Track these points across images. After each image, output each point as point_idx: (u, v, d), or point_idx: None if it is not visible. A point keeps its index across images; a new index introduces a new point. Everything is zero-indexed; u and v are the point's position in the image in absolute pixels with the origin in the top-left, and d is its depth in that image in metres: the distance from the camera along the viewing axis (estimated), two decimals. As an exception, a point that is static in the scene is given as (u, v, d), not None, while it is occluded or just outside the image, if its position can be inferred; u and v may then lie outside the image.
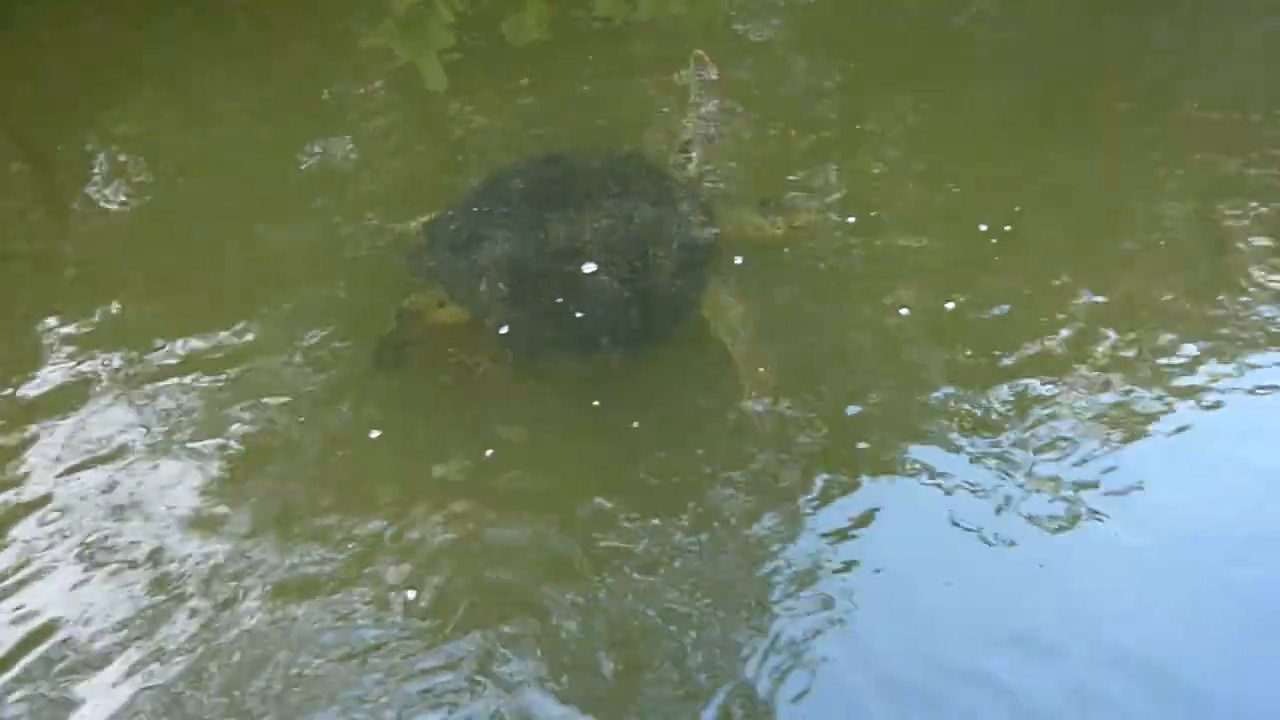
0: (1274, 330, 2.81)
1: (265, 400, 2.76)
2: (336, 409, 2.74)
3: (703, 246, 2.88)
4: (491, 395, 2.77)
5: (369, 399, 2.75)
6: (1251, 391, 2.69)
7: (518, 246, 2.77)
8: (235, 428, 2.72)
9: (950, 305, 2.90)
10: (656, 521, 2.44)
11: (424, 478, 2.58)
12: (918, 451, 2.55)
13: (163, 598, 2.36)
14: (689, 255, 2.84)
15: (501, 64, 3.88)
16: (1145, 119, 3.51)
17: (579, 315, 2.68)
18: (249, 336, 2.93)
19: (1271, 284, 2.91)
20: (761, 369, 2.70)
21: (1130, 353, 2.79)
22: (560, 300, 2.71)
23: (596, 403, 2.71)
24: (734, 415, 2.65)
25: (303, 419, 2.74)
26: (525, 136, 3.55)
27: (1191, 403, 2.66)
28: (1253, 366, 2.75)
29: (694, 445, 2.62)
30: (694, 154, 3.13)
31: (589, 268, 2.73)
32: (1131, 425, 2.62)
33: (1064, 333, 2.81)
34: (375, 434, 2.67)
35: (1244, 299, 2.90)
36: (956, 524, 2.40)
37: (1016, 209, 3.11)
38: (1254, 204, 3.15)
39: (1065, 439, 2.58)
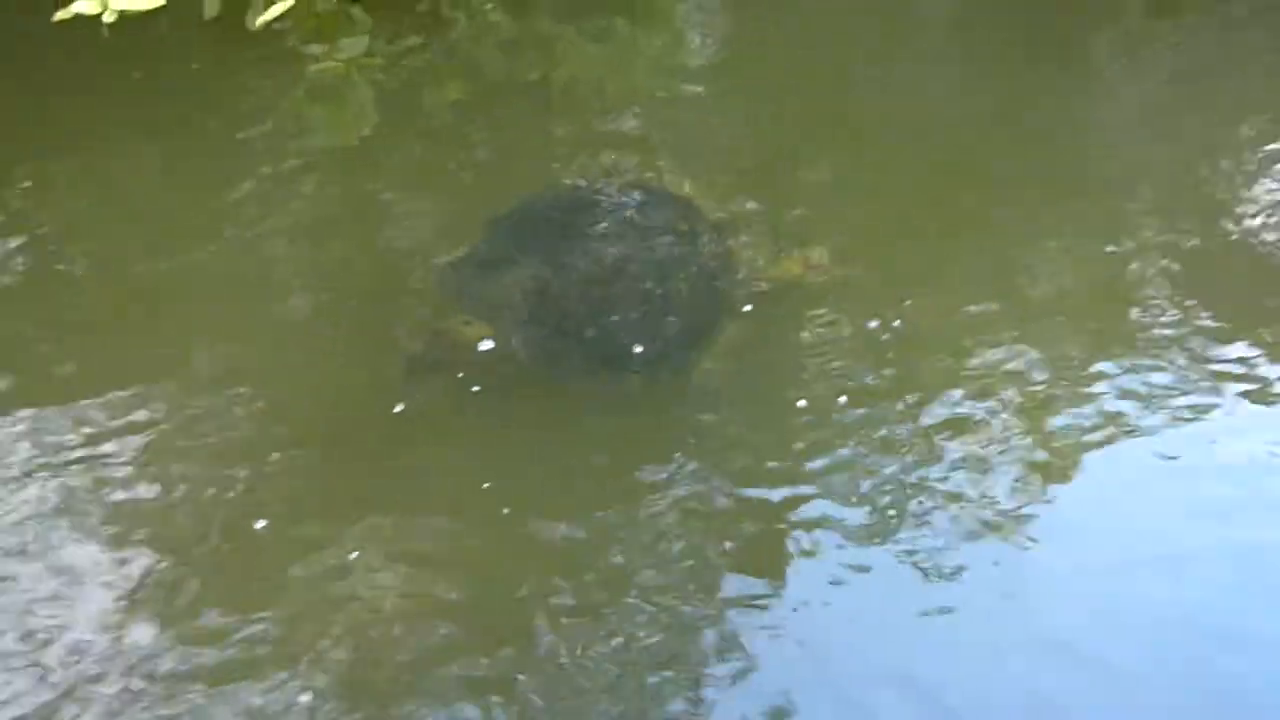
0: (1184, 364, 2.79)
1: (163, 477, 2.51)
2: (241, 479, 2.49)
3: (719, 280, 2.90)
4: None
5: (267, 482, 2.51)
6: (1168, 421, 2.63)
7: (541, 271, 2.81)
8: (126, 506, 2.45)
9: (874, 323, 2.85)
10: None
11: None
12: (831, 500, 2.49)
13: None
14: (705, 287, 2.86)
15: (423, 129, 3.70)
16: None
17: (597, 337, 2.71)
18: (151, 406, 2.67)
19: (1173, 325, 2.89)
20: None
21: (1042, 385, 2.74)
22: (579, 322, 2.74)
23: (506, 510, 2.45)
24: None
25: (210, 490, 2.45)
26: (449, 201, 3.39)
27: (1106, 433, 2.60)
28: (1164, 394, 2.69)
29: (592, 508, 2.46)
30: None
31: (609, 292, 2.77)
32: (1048, 455, 2.56)
33: (976, 364, 2.78)
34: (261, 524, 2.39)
35: (1152, 334, 2.89)
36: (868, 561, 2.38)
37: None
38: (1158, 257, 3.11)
39: (979, 469, 2.52)
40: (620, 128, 3.68)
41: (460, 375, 2.72)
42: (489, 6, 4.16)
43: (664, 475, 2.52)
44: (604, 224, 2.95)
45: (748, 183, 3.44)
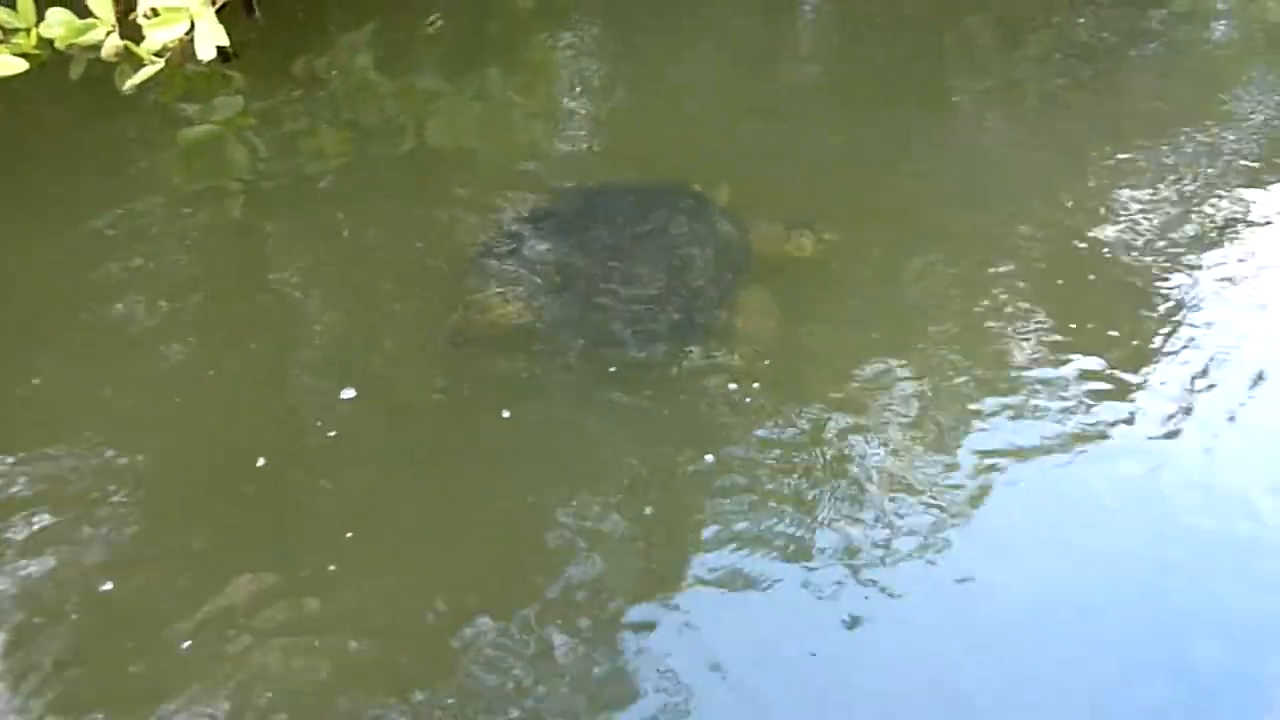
0: (1058, 383, 2.95)
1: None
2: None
3: (735, 257, 3.14)
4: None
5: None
6: (1060, 464, 2.73)
7: (568, 248, 3.07)
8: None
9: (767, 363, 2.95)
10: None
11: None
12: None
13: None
14: (722, 263, 3.11)
15: (303, 189, 3.64)
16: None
17: (620, 310, 2.93)
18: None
19: (1045, 346, 3.08)
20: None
21: (922, 410, 2.86)
22: (603, 298, 2.95)
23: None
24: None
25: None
26: (333, 261, 3.35)
27: (994, 475, 2.70)
28: (1055, 439, 2.80)
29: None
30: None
31: (633, 267, 3.02)
32: (937, 496, 2.64)
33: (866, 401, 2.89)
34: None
35: (1027, 355, 3.05)
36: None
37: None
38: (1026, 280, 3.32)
39: (865, 511, 2.61)
40: (500, 182, 3.72)
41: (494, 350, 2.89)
42: (365, 65, 4.21)
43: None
44: (622, 209, 3.23)
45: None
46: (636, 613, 2.40)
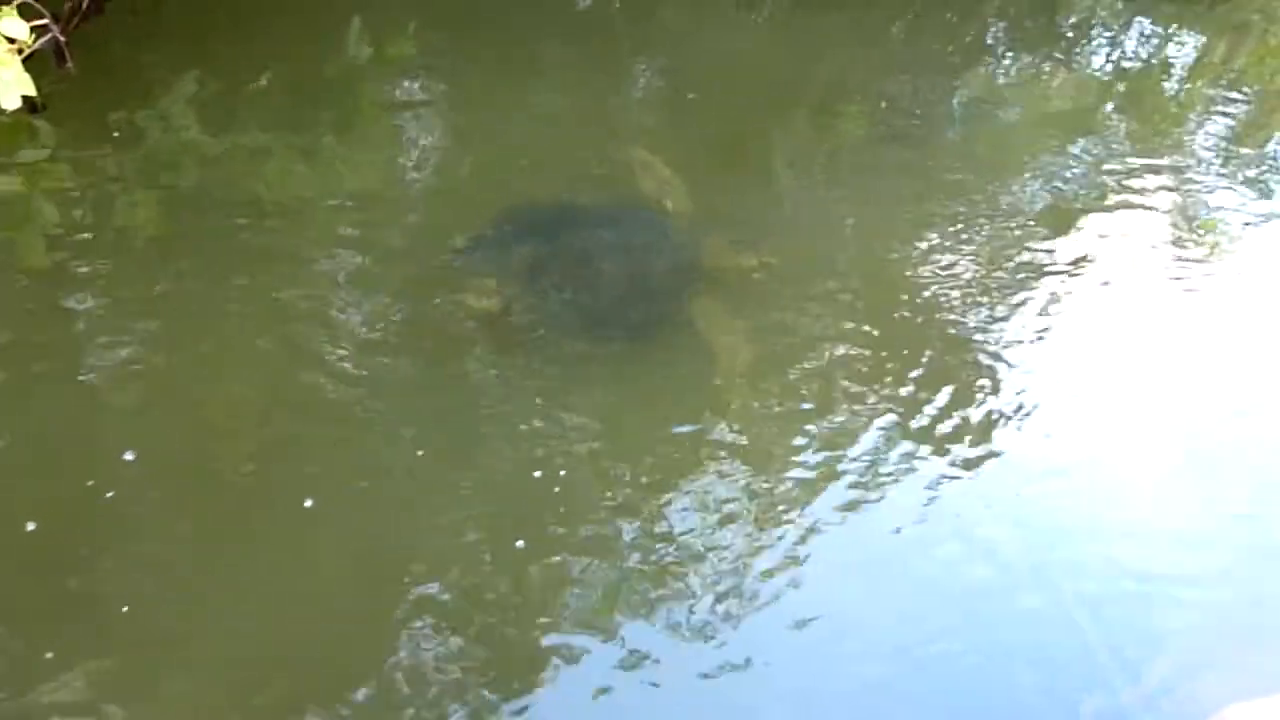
0: (893, 431, 3.13)
1: None
2: None
3: (685, 267, 3.59)
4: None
5: None
6: (905, 494, 2.87)
7: (541, 252, 3.50)
8: None
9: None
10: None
11: None
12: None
13: None
14: (674, 271, 3.58)
15: (116, 247, 3.49)
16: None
17: (588, 303, 3.40)
18: None
19: (881, 400, 3.29)
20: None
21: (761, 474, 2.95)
22: (571, 293, 3.41)
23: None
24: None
25: None
26: (147, 323, 3.21)
27: (835, 505, 2.83)
28: (876, 462, 2.97)
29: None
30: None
31: (597, 270, 3.47)
32: (781, 525, 2.75)
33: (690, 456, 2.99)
34: None
35: (863, 405, 3.22)
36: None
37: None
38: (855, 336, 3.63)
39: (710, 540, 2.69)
40: (326, 241, 3.65)
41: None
42: (187, 119, 4.07)
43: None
44: (591, 220, 3.72)
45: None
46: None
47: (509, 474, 2.86)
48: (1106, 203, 4.50)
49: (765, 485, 2.90)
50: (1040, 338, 3.61)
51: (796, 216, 4.20)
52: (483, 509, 2.76)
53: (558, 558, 2.66)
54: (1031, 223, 4.32)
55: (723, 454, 2.97)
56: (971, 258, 3.96)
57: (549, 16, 5.85)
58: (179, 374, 3.04)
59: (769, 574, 2.66)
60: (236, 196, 3.76)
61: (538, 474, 2.83)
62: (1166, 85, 6.18)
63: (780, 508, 2.85)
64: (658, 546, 2.72)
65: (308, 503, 2.67)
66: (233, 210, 3.70)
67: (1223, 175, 4.95)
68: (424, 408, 3.03)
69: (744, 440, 3.03)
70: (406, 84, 4.74)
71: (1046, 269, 3.95)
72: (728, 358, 3.32)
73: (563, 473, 2.85)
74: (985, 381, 3.38)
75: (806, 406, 3.19)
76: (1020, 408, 3.29)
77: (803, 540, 2.75)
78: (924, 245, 4.02)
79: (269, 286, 3.39)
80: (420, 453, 2.90)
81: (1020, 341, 3.57)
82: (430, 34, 5.42)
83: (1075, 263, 4.01)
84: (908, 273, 3.85)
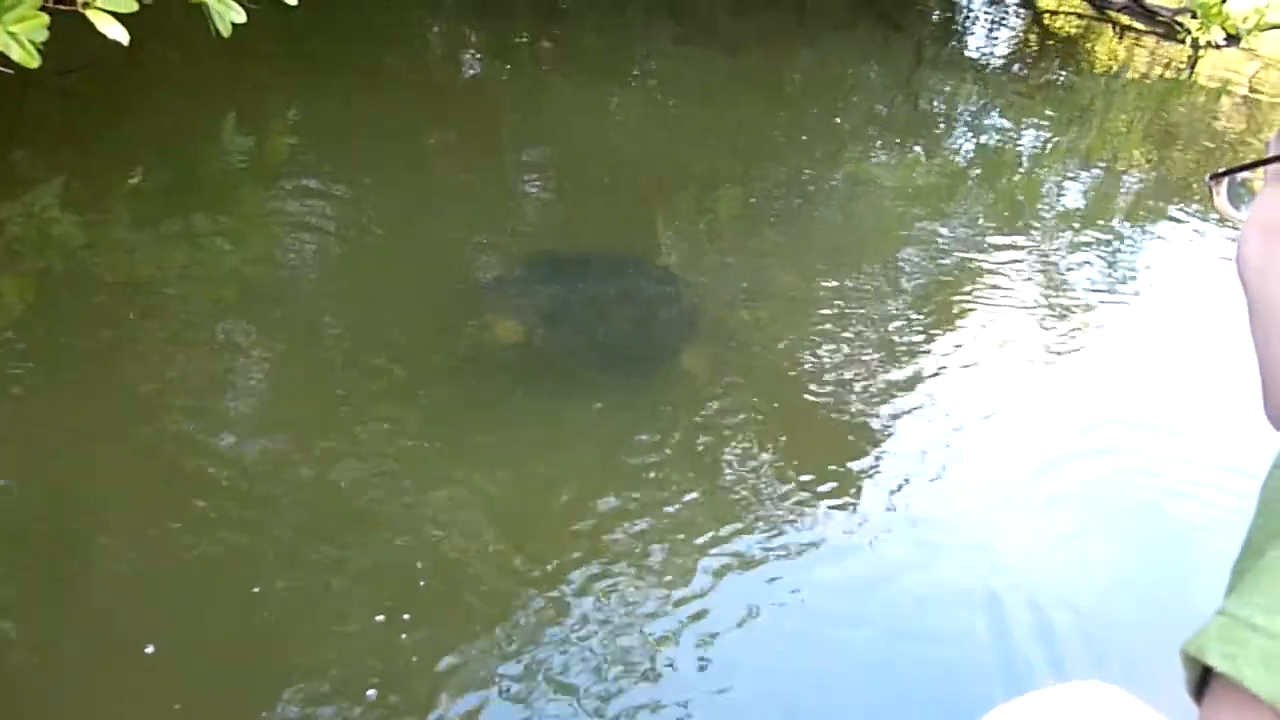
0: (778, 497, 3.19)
1: None
2: None
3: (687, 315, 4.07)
4: None
5: None
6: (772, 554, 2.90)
7: (562, 293, 3.96)
8: None
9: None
10: None
11: None
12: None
13: None
14: (677, 319, 4.06)
15: None
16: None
17: (602, 341, 3.82)
18: None
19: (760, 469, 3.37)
20: None
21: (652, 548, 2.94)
22: (589, 327, 3.85)
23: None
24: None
25: None
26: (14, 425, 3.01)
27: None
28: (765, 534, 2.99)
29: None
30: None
31: (612, 310, 3.94)
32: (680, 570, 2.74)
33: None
34: None
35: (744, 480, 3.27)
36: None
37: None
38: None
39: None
40: (203, 334, 3.50)
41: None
42: (50, 205, 3.88)
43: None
44: (605, 269, 4.24)
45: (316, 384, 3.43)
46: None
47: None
48: (975, 277, 4.73)
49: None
50: (920, 405, 3.72)
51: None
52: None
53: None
54: (906, 295, 4.50)
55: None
56: (849, 334, 4.08)
57: (430, 100, 5.90)
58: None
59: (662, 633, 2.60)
60: (102, 281, 3.59)
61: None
62: (1022, 165, 6.61)
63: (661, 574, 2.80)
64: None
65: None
66: (97, 297, 3.52)
67: (1077, 247, 5.29)
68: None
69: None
70: (286, 174, 4.66)
71: (919, 343, 4.10)
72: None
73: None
74: (868, 447, 3.46)
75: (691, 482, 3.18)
76: (901, 472, 3.36)
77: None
78: (811, 322, 4.12)
79: (111, 383, 3.21)
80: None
81: (901, 413, 3.67)
82: (309, 123, 5.38)
83: (944, 333, 4.17)
84: (797, 351, 3.93)
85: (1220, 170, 0.92)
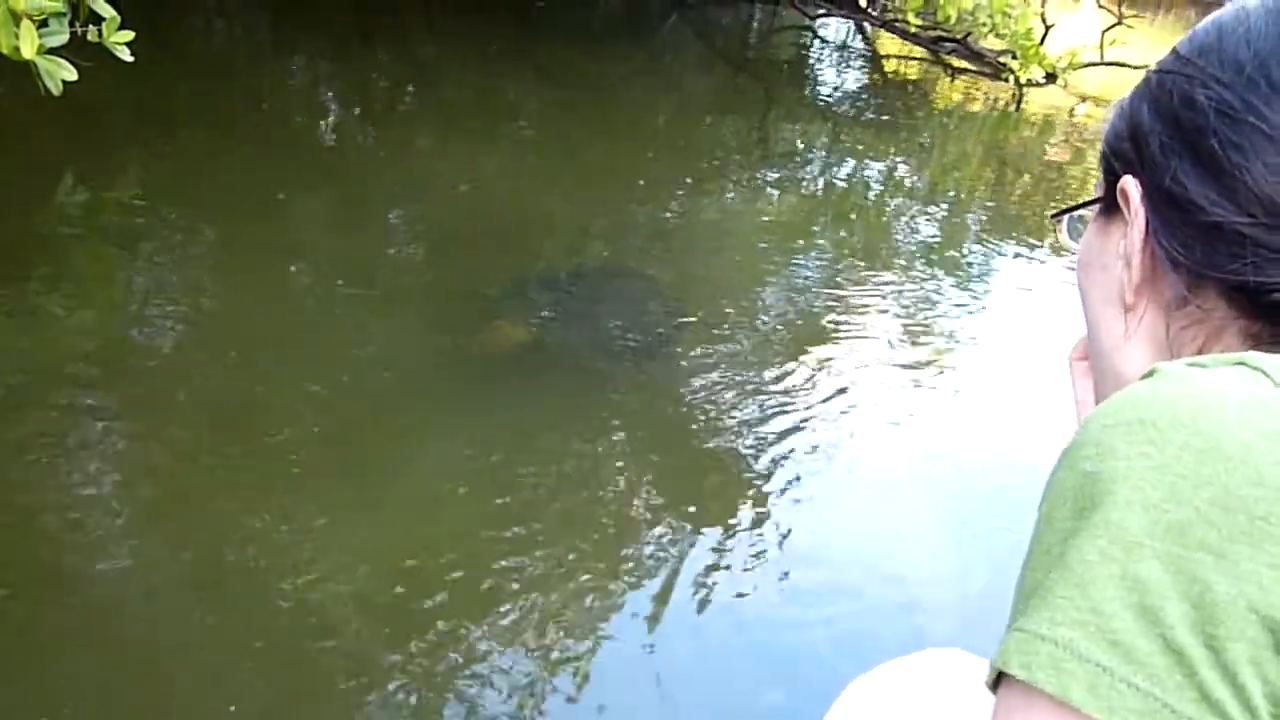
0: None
1: None
2: None
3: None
4: None
5: None
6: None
7: (562, 295, 4.46)
8: None
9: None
10: None
11: None
12: None
13: None
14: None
15: None
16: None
17: (599, 336, 4.22)
18: None
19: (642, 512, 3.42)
20: None
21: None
22: (587, 323, 4.29)
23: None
24: None
25: None
26: None
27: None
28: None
29: None
30: None
31: (606, 309, 4.43)
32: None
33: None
34: None
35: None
36: None
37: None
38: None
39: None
40: (46, 416, 3.29)
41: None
42: None
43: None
44: (597, 279, 4.78)
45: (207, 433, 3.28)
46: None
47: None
48: (833, 308, 4.91)
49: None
50: (793, 428, 3.82)
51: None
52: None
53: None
54: (780, 329, 4.63)
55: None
56: (715, 372, 4.17)
57: (287, 155, 5.76)
58: None
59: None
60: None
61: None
62: (874, 198, 6.94)
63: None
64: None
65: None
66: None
67: (928, 276, 5.56)
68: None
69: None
70: (127, 233, 4.45)
71: (787, 373, 4.22)
72: None
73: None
74: (739, 473, 3.53)
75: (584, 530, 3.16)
76: (782, 506, 3.43)
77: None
78: (684, 363, 4.18)
79: None
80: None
81: (773, 439, 3.75)
82: (155, 180, 5.17)
83: (817, 368, 4.30)
84: (674, 386, 3.98)
85: (1057, 211, 1.05)
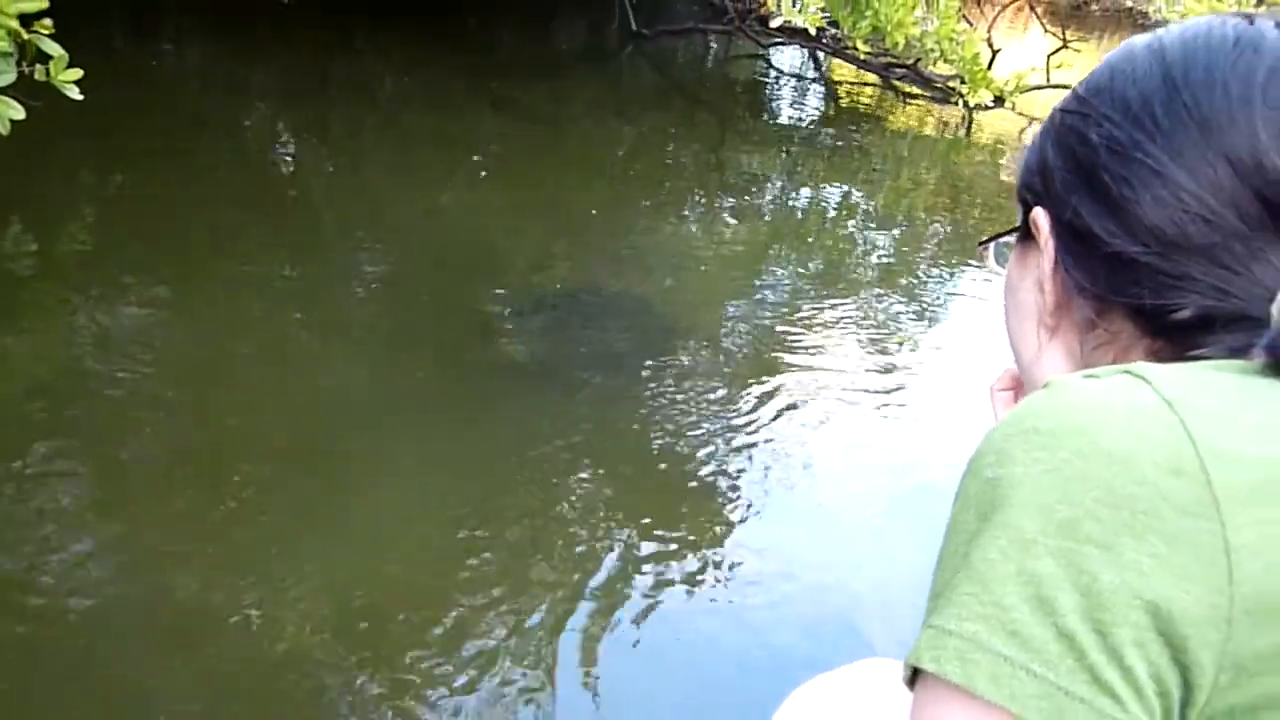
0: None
1: None
2: None
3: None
4: None
5: None
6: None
7: (556, 315, 4.67)
8: None
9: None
10: None
11: None
12: None
13: None
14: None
15: None
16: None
17: (590, 351, 4.41)
18: None
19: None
20: None
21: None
22: (579, 340, 4.47)
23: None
24: None
25: None
26: None
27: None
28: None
29: None
30: None
31: (601, 327, 4.64)
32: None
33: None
34: None
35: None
36: None
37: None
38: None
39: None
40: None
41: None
42: None
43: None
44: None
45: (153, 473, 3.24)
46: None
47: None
48: (794, 331, 4.97)
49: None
50: (757, 451, 3.87)
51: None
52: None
53: None
54: (739, 350, 4.69)
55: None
56: (682, 391, 4.21)
57: (245, 192, 5.75)
58: None
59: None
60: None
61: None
62: (830, 222, 7.05)
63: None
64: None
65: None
66: None
67: (888, 296, 5.66)
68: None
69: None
70: (82, 269, 4.41)
71: (750, 402, 4.27)
72: None
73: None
74: (707, 498, 3.56)
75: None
76: (744, 525, 3.47)
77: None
78: (650, 389, 4.22)
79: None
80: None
81: (739, 462, 3.80)
82: (109, 215, 5.14)
83: (776, 388, 4.36)
84: (638, 409, 4.01)
85: (985, 239, 1.13)
